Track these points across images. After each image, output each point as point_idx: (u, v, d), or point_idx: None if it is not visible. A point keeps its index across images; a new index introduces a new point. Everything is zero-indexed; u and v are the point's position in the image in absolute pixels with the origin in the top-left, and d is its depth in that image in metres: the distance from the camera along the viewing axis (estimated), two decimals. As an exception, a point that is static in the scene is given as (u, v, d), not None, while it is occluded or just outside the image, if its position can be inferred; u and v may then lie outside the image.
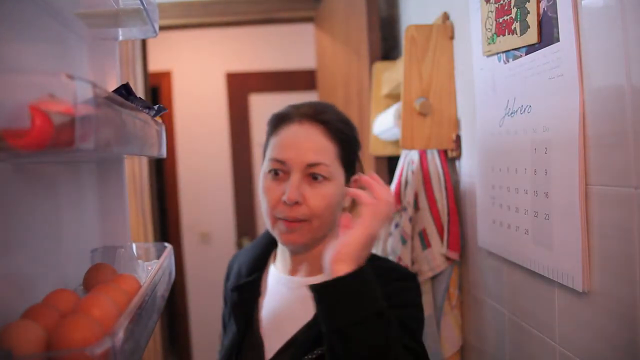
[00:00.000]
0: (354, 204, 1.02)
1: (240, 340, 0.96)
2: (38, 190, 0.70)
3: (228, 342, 1.00)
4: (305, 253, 0.98)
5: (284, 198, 0.90)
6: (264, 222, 0.97)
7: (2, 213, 0.60)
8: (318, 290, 0.76)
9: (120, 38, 0.94)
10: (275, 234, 0.95)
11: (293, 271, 0.99)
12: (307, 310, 0.88)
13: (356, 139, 1.00)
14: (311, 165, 0.91)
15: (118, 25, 0.88)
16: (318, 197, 0.91)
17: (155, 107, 0.77)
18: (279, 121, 0.97)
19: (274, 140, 0.96)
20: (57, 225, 0.75)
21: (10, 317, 0.54)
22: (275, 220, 0.93)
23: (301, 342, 0.89)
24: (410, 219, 1.23)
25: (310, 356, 0.86)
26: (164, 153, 0.85)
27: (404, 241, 1.23)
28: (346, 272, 0.75)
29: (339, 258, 0.77)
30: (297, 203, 0.90)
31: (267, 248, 1.07)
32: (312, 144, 0.92)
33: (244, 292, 1.01)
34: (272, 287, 1.00)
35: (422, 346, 0.87)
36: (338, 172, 0.94)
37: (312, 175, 0.91)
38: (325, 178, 0.91)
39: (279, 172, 0.93)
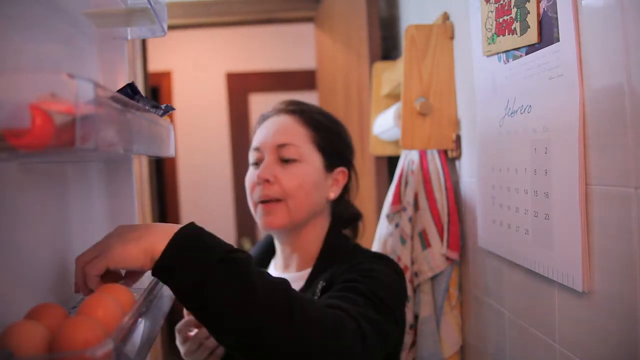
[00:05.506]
0: (347, 191, 1.05)
1: None
2: (46, 190, 0.70)
3: None
4: (291, 243, 0.99)
5: (255, 178, 0.96)
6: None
7: (9, 213, 0.60)
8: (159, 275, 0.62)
9: (129, 37, 0.94)
10: (257, 220, 0.98)
11: (285, 267, 1.02)
12: None
13: (339, 132, 1.03)
14: (280, 145, 0.95)
15: (126, 25, 0.88)
16: (289, 175, 0.94)
17: (163, 106, 0.76)
18: (262, 119, 1.03)
19: (255, 135, 1.02)
20: (64, 224, 0.75)
21: (17, 317, 0.54)
22: (255, 205, 0.97)
23: None
24: (410, 219, 1.23)
25: None
26: (173, 152, 0.86)
27: (403, 241, 1.23)
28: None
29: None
30: (268, 181, 0.94)
31: (270, 247, 1.09)
32: (283, 128, 0.97)
33: None
34: None
35: (388, 317, 0.80)
36: (312, 155, 0.96)
37: (284, 158, 0.95)
38: (296, 160, 0.95)
39: (258, 161, 0.98)
